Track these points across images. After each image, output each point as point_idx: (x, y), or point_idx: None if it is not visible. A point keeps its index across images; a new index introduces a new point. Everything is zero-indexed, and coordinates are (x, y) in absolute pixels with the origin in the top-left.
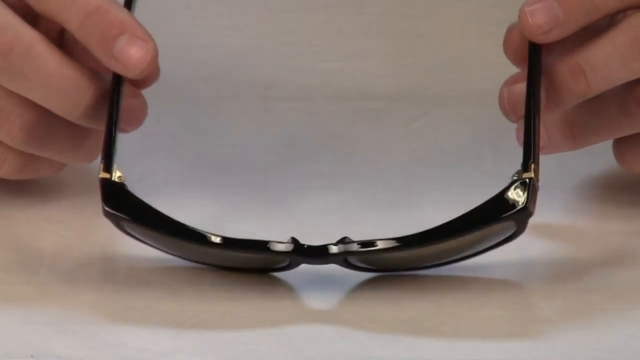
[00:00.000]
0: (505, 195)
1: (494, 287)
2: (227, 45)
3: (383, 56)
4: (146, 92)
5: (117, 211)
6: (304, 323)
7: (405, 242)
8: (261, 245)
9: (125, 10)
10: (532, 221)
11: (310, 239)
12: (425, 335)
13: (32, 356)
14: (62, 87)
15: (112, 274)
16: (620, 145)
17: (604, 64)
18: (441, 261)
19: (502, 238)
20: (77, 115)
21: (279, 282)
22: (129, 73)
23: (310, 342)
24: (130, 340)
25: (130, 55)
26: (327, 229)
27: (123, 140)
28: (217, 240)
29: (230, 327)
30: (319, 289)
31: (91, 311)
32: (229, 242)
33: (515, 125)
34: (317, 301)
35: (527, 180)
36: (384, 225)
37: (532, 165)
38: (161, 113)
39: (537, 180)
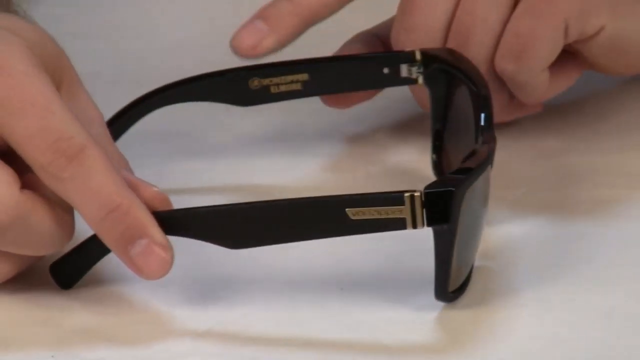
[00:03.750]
0: None
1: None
2: (226, 44)
3: None
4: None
5: None
6: (322, 323)
7: None
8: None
9: (145, 209)
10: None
11: None
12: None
13: (52, 356)
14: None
15: (131, 277)
16: None
17: None
18: None
19: None
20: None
21: (295, 284)
22: (142, 276)
23: (331, 343)
24: (150, 340)
25: (146, 264)
26: None
27: (125, 141)
28: None
29: (249, 328)
30: (337, 290)
31: (111, 312)
32: None
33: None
34: (336, 303)
35: None
36: None
37: None
38: (161, 113)
39: None
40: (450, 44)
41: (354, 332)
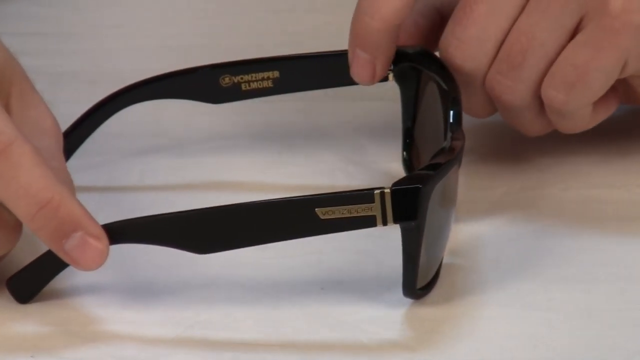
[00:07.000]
0: None
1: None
2: (226, 45)
3: None
4: None
5: None
6: (303, 323)
7: None
8: None
9: (77, 201)
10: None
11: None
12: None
13: (32, 356)
14: None
15: (113, 275)
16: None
17: None
18: None
19: None
20: None
21: (278, 283)
22: (79, 268)
23: (310, 343)
24: (130, 340)
25: (82, 256)
26: None
27: (124, 140)
28: None
29: (230, 328)
30: (317, 289)
31: (91, 311)
32: None
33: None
34: (316, 303)
35: None
36: None
37: None
38: (161, 114)
39: None
40: (501, 62)
41: (334, 331)
